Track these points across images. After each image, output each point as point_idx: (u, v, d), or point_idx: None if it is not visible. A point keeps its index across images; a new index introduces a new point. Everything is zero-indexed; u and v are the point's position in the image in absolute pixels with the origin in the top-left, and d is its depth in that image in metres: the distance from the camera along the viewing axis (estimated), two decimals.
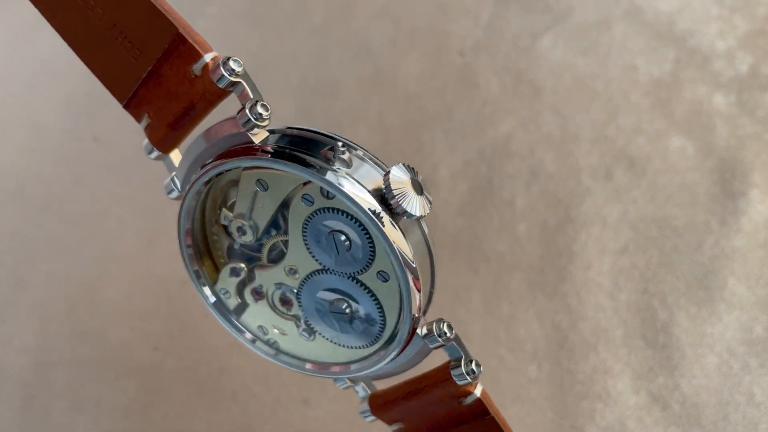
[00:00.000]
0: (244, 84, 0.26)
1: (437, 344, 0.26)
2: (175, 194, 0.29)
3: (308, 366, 0.30)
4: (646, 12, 0.48)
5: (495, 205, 0.43)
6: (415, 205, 0.25)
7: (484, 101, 0.45)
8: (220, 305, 0.30)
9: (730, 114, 0.44)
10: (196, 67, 0.26)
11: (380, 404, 0.30)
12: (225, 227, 0.29)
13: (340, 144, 0.25)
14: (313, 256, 0.27)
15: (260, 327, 0.30)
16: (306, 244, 0.27)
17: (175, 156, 0.29)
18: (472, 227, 0.42)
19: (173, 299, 0.41)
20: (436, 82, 0.46)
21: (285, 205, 0.27)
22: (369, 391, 0.31)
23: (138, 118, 0.28)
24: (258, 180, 0.27)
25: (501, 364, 0.39)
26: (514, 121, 0.45)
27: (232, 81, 0.26)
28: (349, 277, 0.27)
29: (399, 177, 0.25)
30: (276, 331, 0.30)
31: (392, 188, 0.24)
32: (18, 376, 0.39)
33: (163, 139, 0.28)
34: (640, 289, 0.40)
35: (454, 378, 0.27)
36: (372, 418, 0.31)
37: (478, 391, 0.28)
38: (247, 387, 0.39)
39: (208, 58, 0.26)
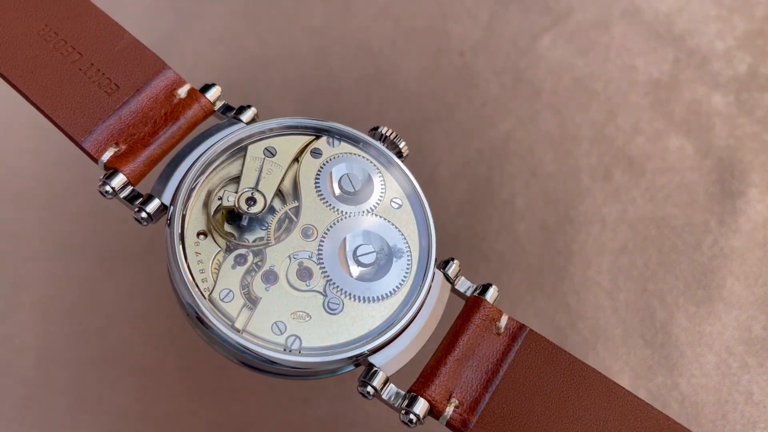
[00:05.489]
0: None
1: (456, 272, 0.30)
2: (153, 208, 0.29)
3: (335, 358, 0.27)
4: (645, 12, 0.48)
5: (495, 204, 0.43)
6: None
7: (483, 101, 0.46)
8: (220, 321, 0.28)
9: (729, 114, 0.45)
10: (182, 91, 0.31)
11: (426, 377, 0.28)
12: (228, 213, 0.29)
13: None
14: (329, 206, 0.30)
15: (276, 325, 0.28)
16: (320, 196, 0.30)
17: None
18: (471, 227, 0.42)
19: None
20: (436, 82, 0.46)
21: (291, 166, 0.30)
22: (402, 391, 0.28)
23: (99, 153, 0.30)
24: (266, 148, 0.31)
25: None
26: (514, 121, 0.45)
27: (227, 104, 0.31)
28: (367, 214, 0.30)
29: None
30: (295, 321, 0.28)
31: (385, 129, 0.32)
32: (19, 375, 0.39)
33: (137, 165, 0.30)
34: (639, 288, 0.40)
35: (483, 303, 0.29)
36: (421, 404, 0.27)
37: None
38: (247, 386, 0.39)
39: (188, 85, 0.31)
